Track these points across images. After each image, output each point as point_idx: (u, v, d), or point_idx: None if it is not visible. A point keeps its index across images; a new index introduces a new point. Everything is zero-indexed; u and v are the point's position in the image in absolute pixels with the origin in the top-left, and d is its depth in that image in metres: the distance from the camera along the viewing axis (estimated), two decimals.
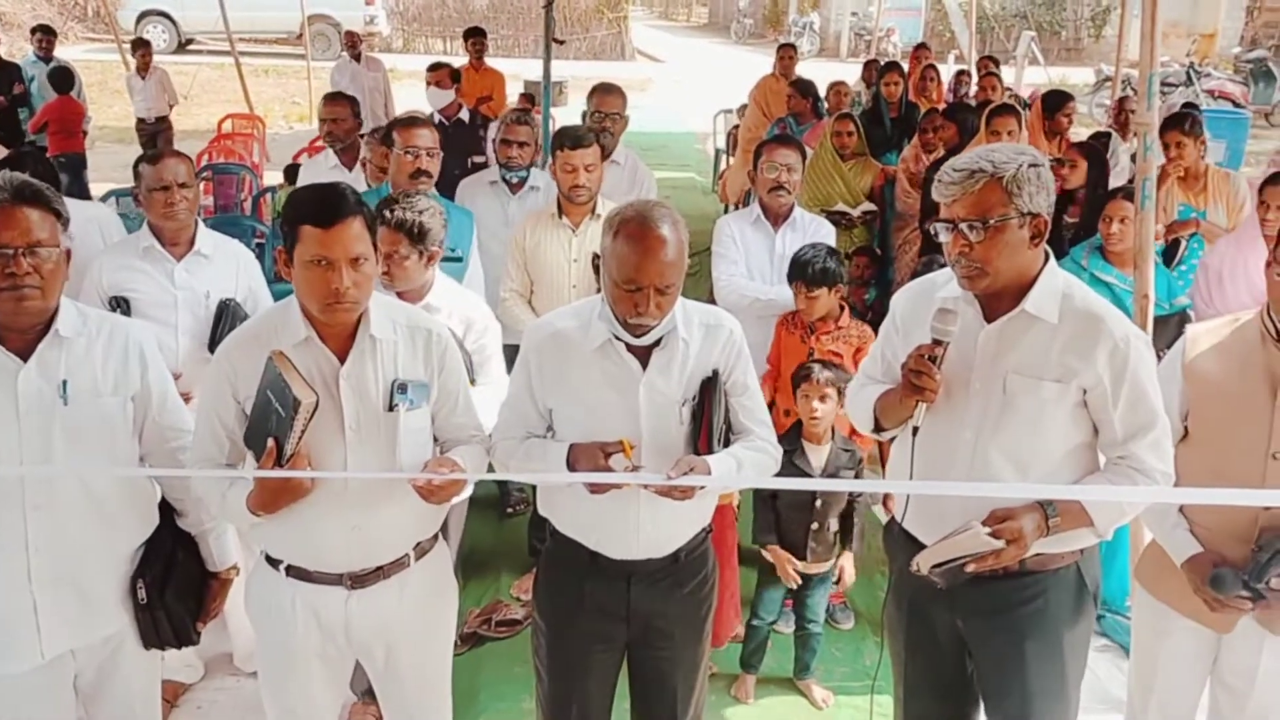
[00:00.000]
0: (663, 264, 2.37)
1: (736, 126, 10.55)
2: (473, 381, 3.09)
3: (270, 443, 2.25)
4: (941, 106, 7.56)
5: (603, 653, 2.68)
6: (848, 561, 3.73)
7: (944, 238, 2.34)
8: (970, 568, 2.35)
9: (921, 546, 2.45)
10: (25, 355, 2.31)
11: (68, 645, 2.46)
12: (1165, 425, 2.41)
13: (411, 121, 4.13)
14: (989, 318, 2.42)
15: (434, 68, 7.74)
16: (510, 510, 4.94)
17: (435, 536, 2.64)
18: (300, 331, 2.37)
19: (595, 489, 2.41)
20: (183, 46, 20.94)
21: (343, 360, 2.40)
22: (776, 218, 4.32)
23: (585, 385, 2.51)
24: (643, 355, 2.50)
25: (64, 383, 2.34)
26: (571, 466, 2.45)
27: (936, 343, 2.37)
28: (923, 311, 2.46)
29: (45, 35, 9.92)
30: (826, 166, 6.30)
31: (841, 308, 4.06)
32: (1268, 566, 2.48)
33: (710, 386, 2.52)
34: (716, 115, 12.36)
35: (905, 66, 8.81)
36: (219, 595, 2.72)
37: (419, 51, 24.05)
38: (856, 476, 3.65)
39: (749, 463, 2.54)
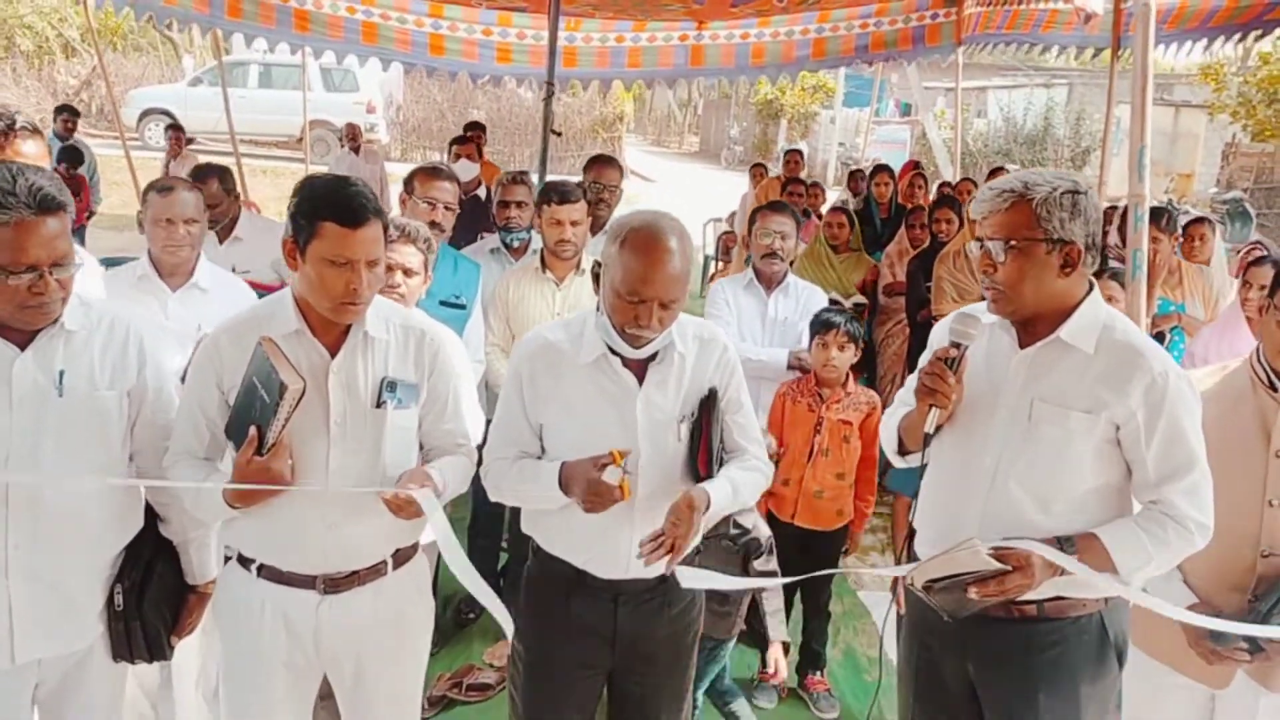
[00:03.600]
0: (668, 277, 2.32)
1: (726, 233, 10.71)
2: None
3: (252, 430, 2.18)
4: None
5: (586, 678, 2.57)
6: (777, 651, 3.44)
7: (973, 255, 2.29)
8: (973, 593, 2.17)
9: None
10: (23, 343, 2.22)
11: (41, 653, 2.33)
12: (1205, 472, 2.23)
13: (435, 172, 4.08)
14: (1024, 344, 2.33)
15: (459, 141, 7.77)
16: (472, 616, 4.52)
17: (415, 546, 2.55)
18: (291, 323, 2.32)
19: (591, 507, 2.32)
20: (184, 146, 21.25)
21: (334, 355, 2.34)
22: (770, 283, 4.35)
23: (579, 400, 2.44)
24: (638, 369, 2.44)
25: (60, 374, 2.25)
26: (564, 484, 2.37)
27: (955, 344, 2.29)
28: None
29: (70, 116, 10.17)
30: (821, 257, 6.42)
31: (847, 375, 4.00)
32: (1268, 616, 2.40)
33: (710, 405, 2.47)
34: (706, 224, 12.54)
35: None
36: (195, 609, 2.59)
37: (416, 160, 24.47)
38: (757, 559, 3.45)
39: (744, 485, 2.48)
